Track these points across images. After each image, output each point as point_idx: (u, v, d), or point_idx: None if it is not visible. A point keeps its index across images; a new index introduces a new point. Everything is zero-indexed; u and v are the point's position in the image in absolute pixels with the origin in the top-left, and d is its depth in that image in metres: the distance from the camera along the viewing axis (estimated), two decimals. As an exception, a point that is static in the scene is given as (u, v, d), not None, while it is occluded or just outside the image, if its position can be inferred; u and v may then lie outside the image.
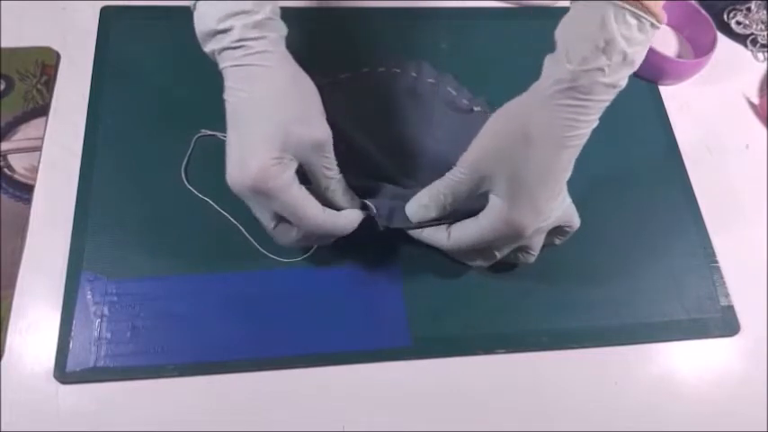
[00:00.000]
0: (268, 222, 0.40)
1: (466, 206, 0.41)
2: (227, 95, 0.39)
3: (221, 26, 0.37)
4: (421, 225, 0.42)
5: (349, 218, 0.41)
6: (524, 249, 0.43)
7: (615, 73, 0.35)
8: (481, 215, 0.40)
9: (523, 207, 0.38)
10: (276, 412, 0.42)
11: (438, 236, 0.42)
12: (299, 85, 0.40)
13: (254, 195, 0.38)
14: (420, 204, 0.42)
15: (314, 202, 0.39)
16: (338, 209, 0.42)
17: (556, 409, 0.44)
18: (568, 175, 0.39)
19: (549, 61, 0.37)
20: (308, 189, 0.40)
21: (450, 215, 0.42)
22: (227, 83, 0.39)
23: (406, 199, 0.43)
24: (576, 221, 0.43)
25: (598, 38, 0.34)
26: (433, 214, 0.41)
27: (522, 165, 0.37)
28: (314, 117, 0.39)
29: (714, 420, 0.45)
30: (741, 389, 0.47)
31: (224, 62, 0.38)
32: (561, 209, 0.41)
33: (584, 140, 0.38)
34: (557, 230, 0.43)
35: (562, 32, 0.36)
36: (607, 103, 0.37)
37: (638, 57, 0.36)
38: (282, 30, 0.40)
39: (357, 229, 0.42)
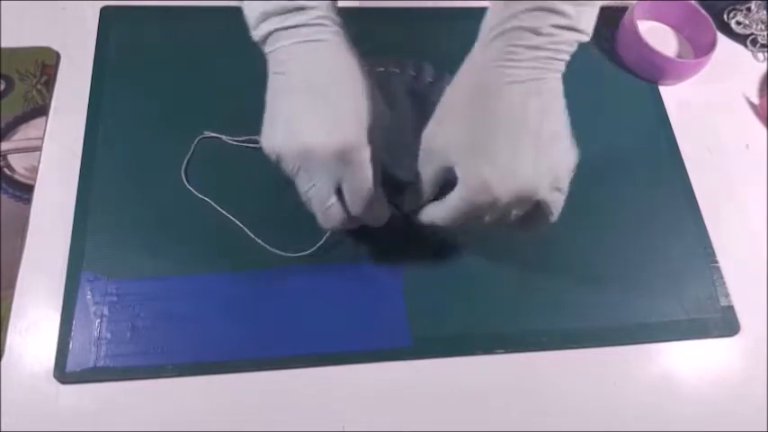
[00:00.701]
0: (327, 197, 0.39)
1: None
2: (290, 67, 0.38)
3: (299, 3, 0.37)
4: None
5: (387, 208, 0.41)
6: (533, 217, 0.40)
7: (534, 19, 0.35)
8: (456, 186, 0.38)
9: (485, 167, 0.36)
10: (276, 412, 0.42)
11: (433, 214, 0.41)
12: (361, 65, 0.40)
13: (334, 163, 0.37)
14: (410, 197, 0.42)
15: (377, 183, 0.39)
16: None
17: (555, 409, 0.44)
18: (548, 135, 0.36)
19: (485, 20, 0.38)
20: None
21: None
22: (290, 58, 0.38)
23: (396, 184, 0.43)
24: (556, 213, 0.39)
25: None
26: (422, 201, 0.41)
27: (472, 122, 0.36)
28: (373, 99, 0.39)
29: (714, 420, 0.45)
30: (741, 389, 0.47)
31: (288, 39, 0.38)
32: (558, 181, 0.38)
33: (542, 92, 0.36)
34: (536, 214, 0.40)
35: None
36: (540, 51, 0.35)
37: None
38: (339, 18, 0.40)
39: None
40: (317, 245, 0.46)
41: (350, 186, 0.38)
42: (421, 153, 0.40)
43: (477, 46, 0.38)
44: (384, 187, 0.42)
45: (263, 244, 0.46)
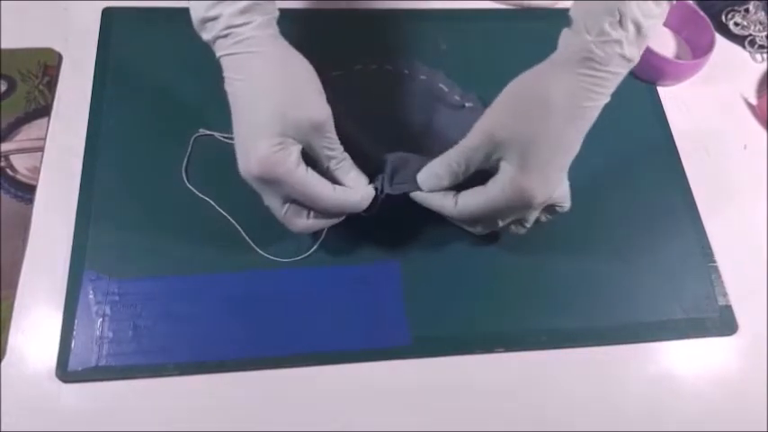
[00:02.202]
0: (279, 208, 0.40)
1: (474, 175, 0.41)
2: (226, 86, 0.39)
3: (210, 14, 0.37)
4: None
5: (360, 193, 0.41)
6: (519, 221, 0.43)
7: (631, 45, 0.36)
8: (491, 183, 0.40)
9: (535, 176, 0.38)
10: (276, 411, 0.42)
11: (445, 202, 0.42)
12: (291, 66, 0.39)
13: (263, 184, 0.38)
14: (432, 173, 0.41)
15: (323, 180, 0.39)
16: (346, 187, 0.42)
17: (555, 408, 0.45)
18: (577, 150, 0.39)
19: (566, 34, 0.38)
20: (316, 170, 0.40)
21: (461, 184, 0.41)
22: (224, 73, 0.39)
23: (411, 164, 0.42)
24: (567, 202, 0.43)
25: (616, 11, 0.35)
26: (445, 183, 0.41)
27: (537, 132, 0.38)
28: (310, 97, 0.39)
29: (712, 419, 0.45)
30: (739, 388, 0.47)
31: (218, 51, 0.39)
32: (562, 185, 0.41)
33: (596, 114, 0.38)
34: (548, 208, 0.43)
35: (580, 5, 0.37)
36: (621, 77, 0.38)
37: (653, 31, 0.37)
38: (272, 12, 0.39)
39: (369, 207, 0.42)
40: (312, 248, 0.47)
41: (292, 194, 0.39)
42: (476, 137, 0.39)
43: (562, 55, 0.38)
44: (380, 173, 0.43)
45: (256, 248, 0.46)
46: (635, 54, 0.37)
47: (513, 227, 0.44)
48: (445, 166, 0.41)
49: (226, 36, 0.38)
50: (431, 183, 0.42)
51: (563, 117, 0.37)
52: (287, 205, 0.40)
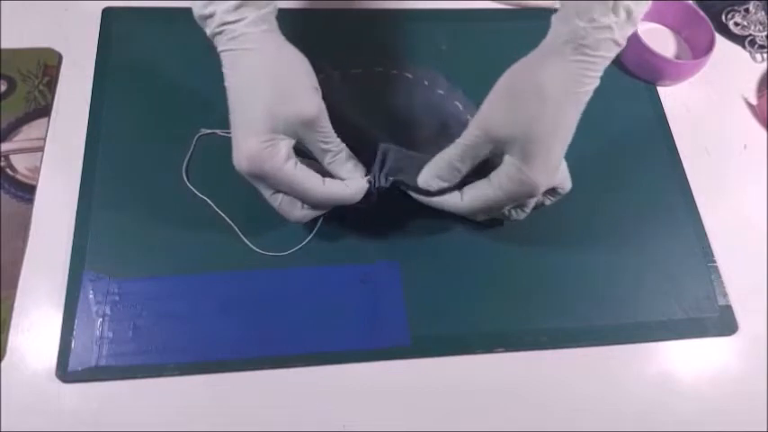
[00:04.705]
0: (272, 200, 0.41)
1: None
2: (225, 81, 0.40)
3: (205, 11, 0.38)
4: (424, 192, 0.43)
5: (353, 187, 0.42)
6: (520, 206, 0.44)
7: (621, 30, 0.37)
8: (493, 175, 0.40)
9: (538, 165, 0.38)
10: (276, 411, 0.42)
11: (451, 201, 0.42)
12: (282, 62, 0.40)
13: (253, 178, 0.40)
14: (434, 174, 0.42)
15: (311, 174, 0.40)
16: (343, 179, 0.42)
17: (555, 408, 0.45)
18: (572, 134, 0.39)
19: (556, 20, 0.38)
20: (310, 162, 0.41)
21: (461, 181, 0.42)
22: (222, 68, 0.39)
23: (411, 161, 0.43)
24: (568, 184, 0.43)
25: None
26: (445, 184, 0.42)
27: (536, 121, 0.38)
28: (301, 92, 0.39)
29: (712, 419, 0.45)
30: (739, 388, 0.47)
31: (217, 47, 0.39)
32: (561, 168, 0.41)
33: (588, 98, 0.39)
34: (550, 191, 0.43)
35: None
36: (609, 61, 0.38)
37: (640, 16, 0.37)
38: (266, 6, 0.39)
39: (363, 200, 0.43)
40: (306, 239, 0.47)
41: (281, 189, 0.40)
42: (474, 134, 0.39)
43: (551, 43, 0.38)
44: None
45: (249, 244, 0.47)
46: (624, 38, 0.37)
47: (513, 212, 0.44)
48: (446, 165, 0.41)
49: (221, 33, 0.38)
50: (434, 184, 0.42)
51: (558, 104, 0.38)
52: (280, 197, 0.41)
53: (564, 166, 0.42)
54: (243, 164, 0.38)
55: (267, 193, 0.41)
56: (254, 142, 0.38)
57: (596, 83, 0.38)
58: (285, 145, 0.39)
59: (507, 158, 0.39)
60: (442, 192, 0.42)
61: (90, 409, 0.41)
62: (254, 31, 0.38)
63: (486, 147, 0.39)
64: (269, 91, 0.38)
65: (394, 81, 0.55)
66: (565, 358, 0.46)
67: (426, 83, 0.55)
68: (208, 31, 0.39)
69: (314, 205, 0.42)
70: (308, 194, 0.40)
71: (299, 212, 0.42)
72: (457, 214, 0.43)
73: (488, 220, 0.47)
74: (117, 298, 0.44)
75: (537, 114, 0.37)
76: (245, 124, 0.38)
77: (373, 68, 0.55)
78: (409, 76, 0.55)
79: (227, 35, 0.38)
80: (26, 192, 0.48)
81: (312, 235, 0.47)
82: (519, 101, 0.38)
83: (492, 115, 0.39)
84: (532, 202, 0.43)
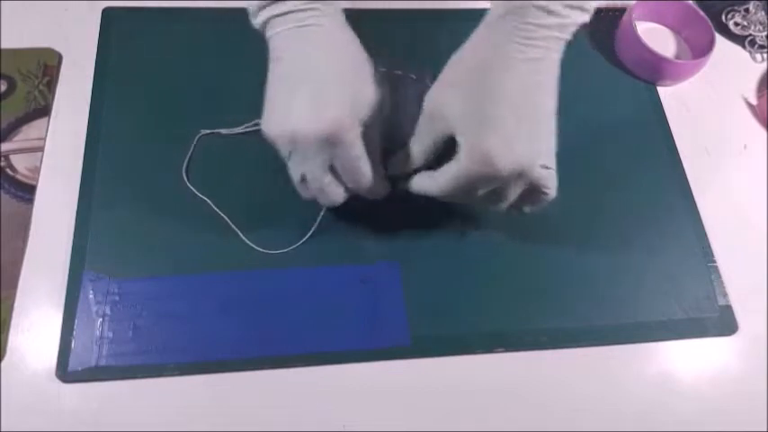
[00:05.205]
0: (322, 176, 0.40)
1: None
2: (283, 53, 0.39)
3: None
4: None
5: (383, 184, 0.43)
6: (497, 194, 0.41)
7: None
8: (456, 155, 0.39)
9: (492, 138, 0.37)
10: (276, 411, 0.42)
11: (426, 184, 0.42)
12: (358, 49, 0.41)
13: (323, 145, 0.38)
14: (398, 158, 0.43)
15: (368, 160, 0.40)
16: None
17: (555, 408, 0.45)
18: (544, 114, 0.38)
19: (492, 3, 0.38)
20: None
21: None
22: (284, 43, 0.39)
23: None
24: (553, 188, 0.41)
25: None
26: (413, 165, 0.42)
27: (478, 93, 0.37)
28: (369, 78, 0.40)
29: (712, 419, 0.45)
30: (739, 388, 0.47)
31: (283, 25, 0.39)
32: (547, 159, 0.40)
33: (549, 69, 0.38)
34: (533, 194, 0.41)
35: None
36: (572, 27, 0.37)
37: None
38: (337, 4, 0.41)
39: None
40: (308, 233, 0.47)
41: (342, 165, 0.39)
42: (422, 118, 0.40)
43: (488, 19, 0.39)
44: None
45: (248, 242, 0.47)
46: (550, 6, 0.36)
47: (491, 205, 0.42)
48: (409, 150, 0.42)
49: (300, 11, 0.38)
50: (397, 168, 0.43)
51: (501, 72, 0.37)
52: (329, 176, 0.40)
53: (553, 173, 0.40)
54: (324, 126, 0.37)
55: (320, 168, 0.39)
56: (343, 109, 0.37)
57: (553, 52, 0.37)
58: (358, 124, 0.39)
59: (458, 138, 0.38)
60: (415, 172, 0.43)
61: (90, 409, 0.41)
62: (335, 15, 0.40)
63: (439, 126, 0.39)
64: (354, 72, 0.39)
65: (397, 82, 0.54)
66: (565, 358, 0.46)
67: (429, 83, 0.55)
68: (273, 12, 0.39)
69: (355, 188, 0.41)
70: (360, 176, 0.40)
71: (341, 194, 0.41)
72: (437, 198, 0.42)
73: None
74: (117, 298, 0.44)
75: (478, 87, 0.37)
76: (331, 92, 0.38)
77: (377, 69, 0.55)
78: (413, 77, 0.55)
79: (310, 13, 0.38)
80: (26, 192, 0.48)
81: (312, 232, 0.47)
82: (460, 77, 0.38)
83: (438, 95, 0.40)
84: (510, 193, 0.41)
